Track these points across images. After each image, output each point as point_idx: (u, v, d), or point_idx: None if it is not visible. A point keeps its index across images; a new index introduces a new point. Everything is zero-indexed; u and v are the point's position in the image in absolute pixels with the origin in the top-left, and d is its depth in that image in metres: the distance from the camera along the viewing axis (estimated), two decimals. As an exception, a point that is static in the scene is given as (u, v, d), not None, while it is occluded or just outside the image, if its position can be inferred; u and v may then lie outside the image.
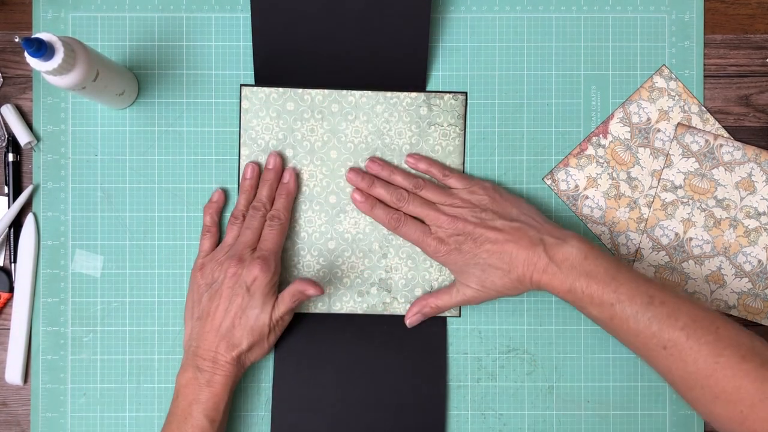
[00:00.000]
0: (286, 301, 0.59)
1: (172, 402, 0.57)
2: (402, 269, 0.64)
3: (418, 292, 0.64)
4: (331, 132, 0.64)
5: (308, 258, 0.64)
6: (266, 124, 0.64)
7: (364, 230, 0.64)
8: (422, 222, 0.61)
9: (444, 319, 0.64)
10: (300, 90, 0.64)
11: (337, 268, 0.64)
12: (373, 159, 0.63)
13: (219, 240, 0.63)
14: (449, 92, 0.65)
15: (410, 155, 0.63)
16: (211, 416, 0.56)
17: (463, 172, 0.65)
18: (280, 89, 0.64)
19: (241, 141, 0.64)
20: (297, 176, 0.63)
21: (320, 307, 0.64)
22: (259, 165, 0.63)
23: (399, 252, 0.64)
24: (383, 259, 0.64)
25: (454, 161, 0.64)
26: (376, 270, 0.64)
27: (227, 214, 0.64)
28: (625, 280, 0.54)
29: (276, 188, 0.63)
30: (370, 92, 0.64)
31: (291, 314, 0.61)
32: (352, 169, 0.63)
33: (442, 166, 0.63)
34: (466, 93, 0.65)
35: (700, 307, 0.53)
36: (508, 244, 0.56)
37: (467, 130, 0.65)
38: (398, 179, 0.62)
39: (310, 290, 0.58)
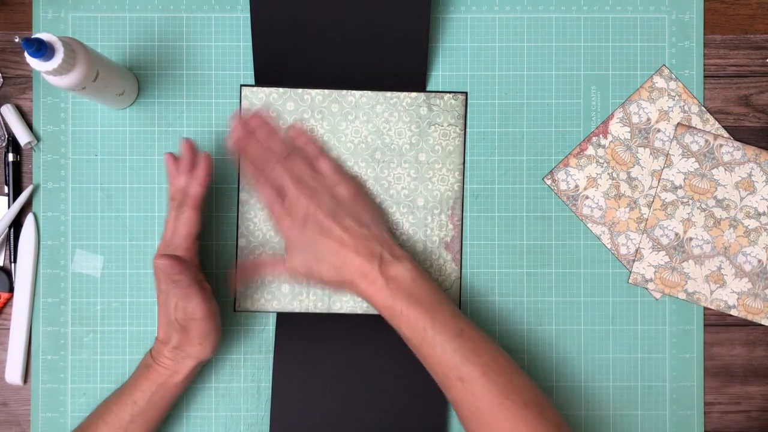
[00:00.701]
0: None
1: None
2: None
3: None
4: (331, 132, 0.64)
5: None
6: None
7: None
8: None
9: None
10: (300, 90, 0.64)
11: None
12: (259, 113, 0.62)
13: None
14: (449, 92, 0.65)
15: (295, 125, 0.63)
16: (134, 396, 0.57)
17: (463, 172, 0.64)
18: (280, 89, 0.64)
19: None
20: (209, 160, 0.59)
21: (320, 306, 0.64)
22: (193, 146, 0.60)
23: None
24: None
25: (454, 161, 0.64)
26: None
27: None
28: (443, 310, 0.55)
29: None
30: (370, 92, 0.64)
31: (206, 304, 0.57)
32: (238, 117, 0.61)
33: (320, 147, 0.63)
34: (466, 93, 0.65)
35: (502, 353, 0.55)
36: (348, 247, 0.57)
37: (467, 130, 0.65)
38: (275, 143, 0.61)
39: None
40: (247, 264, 0.63)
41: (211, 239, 0.64)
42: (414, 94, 0.64)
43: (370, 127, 0.64)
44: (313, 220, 0.58)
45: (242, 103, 0.64)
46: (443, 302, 0.56)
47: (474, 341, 0.54)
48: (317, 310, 0.64)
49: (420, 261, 0.64)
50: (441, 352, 0.54)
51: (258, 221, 0.64)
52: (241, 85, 0.64)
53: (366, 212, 0.60)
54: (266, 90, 0.64)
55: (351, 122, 0.64)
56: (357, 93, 0.64)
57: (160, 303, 0.57)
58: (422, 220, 0.64)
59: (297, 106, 0.64)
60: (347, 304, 0.64)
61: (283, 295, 0.64)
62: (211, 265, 0.64)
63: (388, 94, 0.64)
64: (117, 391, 0.58)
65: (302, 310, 0.64)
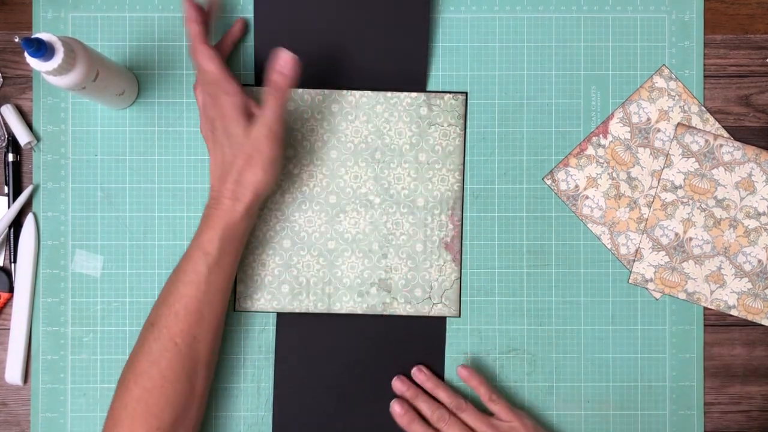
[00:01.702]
0: (274, 103, 0.57)
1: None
2: (402, 269, 0.64)
3: (418, 292, 0.64)
4: (331, 132, 0.64)
5: (308, 258, 0.64)
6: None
7: (363, 230, 0.64)
8: None
9: (443, 319, 0.64)
10: (300, 90, 0.64)
11: (337, 268, 0.64)
12: (420, 369, 0.63)
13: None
14: (449, 92, 0.65)
15: (463, 367, 0.63)
16: (205, 248, 0.56)
17: (463, 172, 0.64)
18: None
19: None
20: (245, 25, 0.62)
21: (320, 307, 0.64)
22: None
23: (399, 252, 0.64)
24: (383, 259, 0.64)
25: (454, 161, 0.64)
26: (375, 270, 0.64)
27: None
28: None
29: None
30: (370, 92, 0.64)
31: (280, 121, 0.57)
32: (399, 378, 0.63)
33: (490, 390, 0.62)
34: (466, 93, 0.65)
35: None
36: None
37: (467, 130, 0.65)
38: (442, 395, 0.62)
39: (291, 59, 0.56)
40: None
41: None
42: (414, 94, 0.64)
43: (370, 127, 0.64)
44: None
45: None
46: None
47: None
48: (317, 311, 0.64)
49: (420, 261, 0.64)
50: None
51: (257, 220, 0.64)
52: (242, 86, 0.64)
53: None
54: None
55: (351, 122, 0.64)
56: (357, 93, 0.64)
57: (211, 135, 0.58)
58: (422, 220, 0.64)
59: (297, 106, 0.64)
60: (347, 304, 0.64)
61: (283, 295, 0.64)
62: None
63: (389, 94, 0.64)
64: (184, 255, 0.57)
65: (302, 311, 0.64)
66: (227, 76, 0.57)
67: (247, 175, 0.57)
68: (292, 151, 0.64)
